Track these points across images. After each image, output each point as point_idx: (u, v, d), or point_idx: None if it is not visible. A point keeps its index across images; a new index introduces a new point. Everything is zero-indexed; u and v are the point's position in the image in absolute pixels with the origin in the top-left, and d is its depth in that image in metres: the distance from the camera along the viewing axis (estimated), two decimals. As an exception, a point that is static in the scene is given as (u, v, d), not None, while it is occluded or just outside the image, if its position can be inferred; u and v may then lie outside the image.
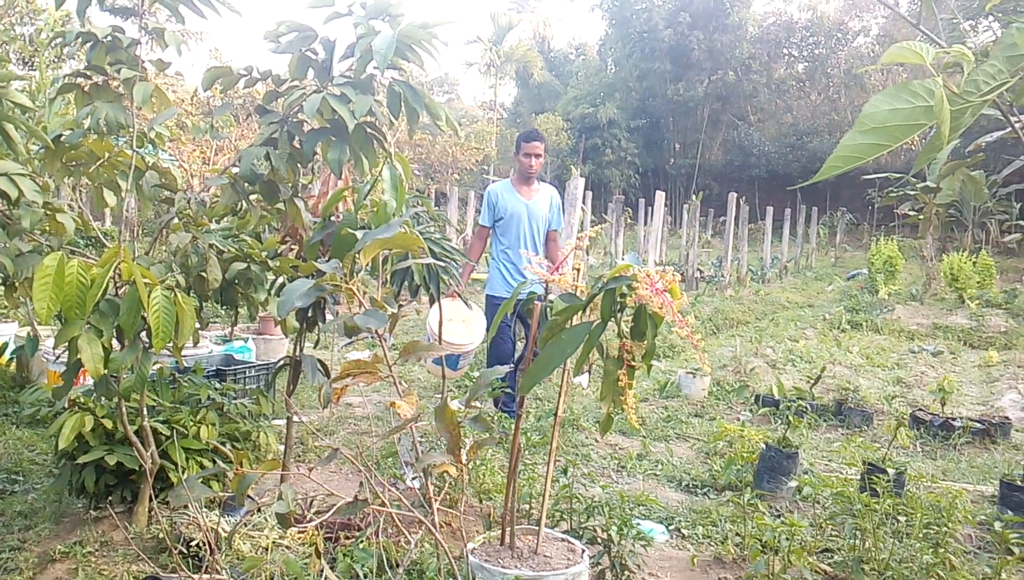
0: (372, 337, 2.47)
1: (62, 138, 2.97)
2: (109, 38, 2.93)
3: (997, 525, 3.26)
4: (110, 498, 3.39)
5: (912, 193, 15.79)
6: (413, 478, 3.67)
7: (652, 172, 37.59)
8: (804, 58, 39.45)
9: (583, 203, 10.99)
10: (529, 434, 4.12)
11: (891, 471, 3.61)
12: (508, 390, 4.86)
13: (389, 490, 2.66)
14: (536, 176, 5.43)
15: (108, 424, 3.25)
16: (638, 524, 3.14)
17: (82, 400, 3.32)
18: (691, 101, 36.71)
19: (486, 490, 3.85)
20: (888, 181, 17.06)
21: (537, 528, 2.67)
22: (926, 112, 1.00)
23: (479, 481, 3.86)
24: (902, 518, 3.34)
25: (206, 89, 3.15)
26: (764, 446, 4.38)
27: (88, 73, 3.01)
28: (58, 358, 4.74)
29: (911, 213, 17.32)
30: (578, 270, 2.56)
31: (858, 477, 4.09)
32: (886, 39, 34.14)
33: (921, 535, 3.27)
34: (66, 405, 3.27)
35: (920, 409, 6.10)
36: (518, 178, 5.50)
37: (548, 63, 42.72)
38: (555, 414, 2.73)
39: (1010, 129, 1.78)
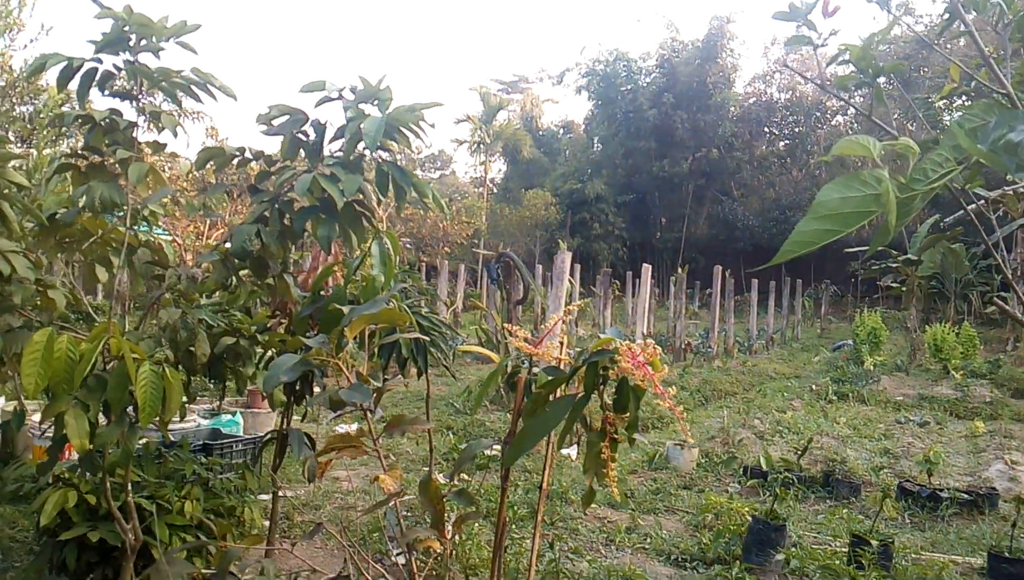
0: (358, 410, 2.50)
1: (57, 216, 3.03)
2: (106, 120, 3.01)
3: (984, 598, 3.25)
4: (91, 576, 3.34)
5: (894, 265, 16.05)
6: (398, 553, 3.64)
7: (639, 245, 38.03)
8: (785, 136, 40.45)
9: (571, 276, 11.11)
10: (516, 507, 4.11)
11: (875, 543, 3.61)
12: None
13: (373, 566, 2.65)
14: None
15: (92, 500, 3.23)
16: (625, 599, 3.12)
17: (67, 475, 3.31)
18: (676, 177, 37.39)
19: (472, 565, 3.81)
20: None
21: (523, 603, 2.65)
22: (875, 200, 1.08)
23: (465, 556, 3.83)
24: (889, 591, 3.34)
25: (199, 169, 3.23)
26: (752, 519, 4.37)
27: (85, 153, 3.08)
28: (44, 433, 4.69)
29: (894, 285, 17.55)
30: (562, 343, 2.61)
31: (846, 549, 4.08)
32: (864, 117, 35.03)
33: (909, 609, 3.27)
34: (50, 480, 3.25)
35: (907, 480, 6.11)
36: None
37: (536, 140, 43.57)
38: (540, 487, 2.74)
39: (973, 206, 1.87)
